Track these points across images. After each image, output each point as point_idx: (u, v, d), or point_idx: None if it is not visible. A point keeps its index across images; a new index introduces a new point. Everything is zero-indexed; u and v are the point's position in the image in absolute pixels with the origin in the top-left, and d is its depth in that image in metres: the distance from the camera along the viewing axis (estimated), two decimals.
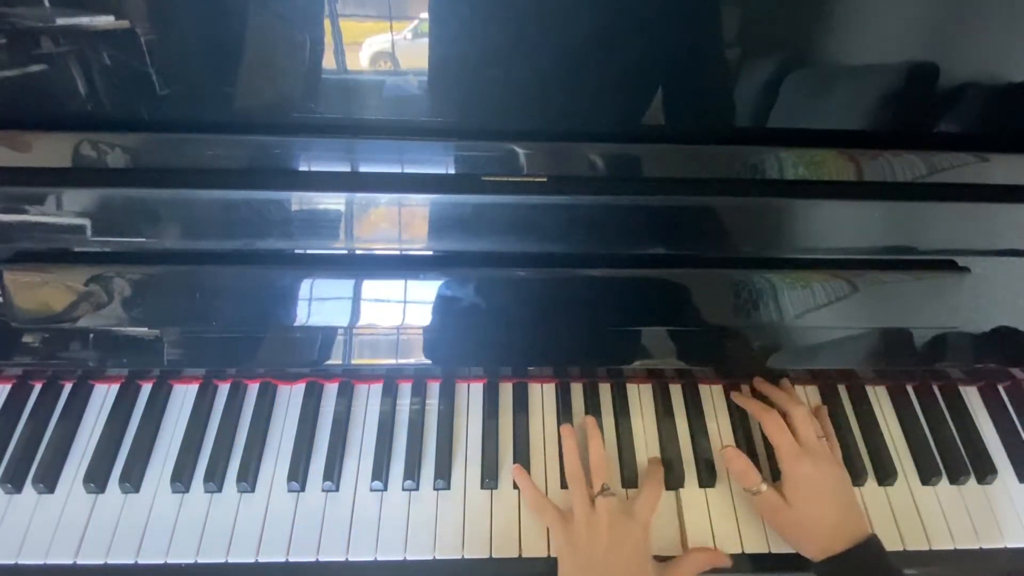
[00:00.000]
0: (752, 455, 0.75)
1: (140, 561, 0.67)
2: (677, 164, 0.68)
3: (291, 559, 0.68)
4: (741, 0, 0.60)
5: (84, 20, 0.58)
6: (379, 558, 0.68)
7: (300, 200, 0.67)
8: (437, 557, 0.68)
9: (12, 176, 0.65)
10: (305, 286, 0.71)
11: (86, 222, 0.66)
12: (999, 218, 0.71)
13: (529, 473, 0.74)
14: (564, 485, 0.73)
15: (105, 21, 0.58)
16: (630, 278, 0.72)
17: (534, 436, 0.77)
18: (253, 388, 0.79)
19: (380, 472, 0.73)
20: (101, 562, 0.67)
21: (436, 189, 0.67)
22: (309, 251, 0.71)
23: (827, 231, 0.71)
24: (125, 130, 0.64)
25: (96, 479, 0.71)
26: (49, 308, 0.69)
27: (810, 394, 0.82)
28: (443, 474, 0.73)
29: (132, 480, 0.72)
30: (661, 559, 0.67)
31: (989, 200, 0.70)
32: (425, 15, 0.60)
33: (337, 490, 0.72)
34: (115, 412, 0.77)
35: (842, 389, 0.82)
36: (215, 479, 0.72)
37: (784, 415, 0.72)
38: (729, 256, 0.72)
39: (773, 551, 0.70)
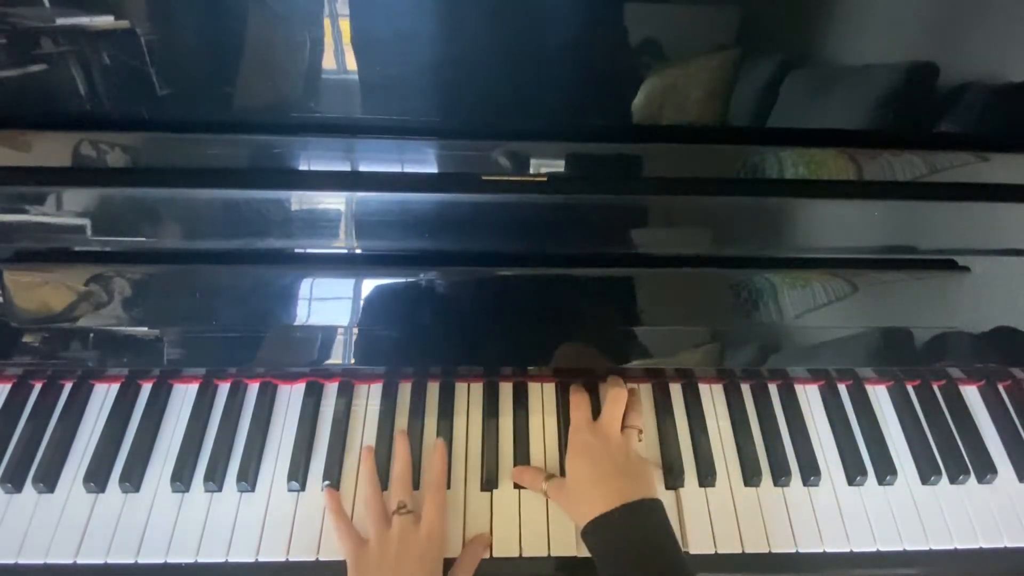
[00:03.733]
0: (752, 453, 0.76)
1: (140, 561, 0.67)
2: (677, 164, 0.68)
3: (291, 559, 0.68)
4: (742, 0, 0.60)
5: (84, 20, 0.58)
6: None
7: (300, 199, 0.67)
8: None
9: (12, 176, 0.65)
10: (305, 285, 0.71)
11: (86, 222, 0.66)
12: (999, 218, 0.71)
13: None
14: None
15: (105, 21, 0.58)
16: (630, 277, 0.72)
17: (534, 436, 0.77)
18: (253, 388, 0.79)
19: (380, 472, 0.73)
20: (101, 562, 0.67)
21: (436, 189, 0.67)
22: (309, 250, 0.71)
23: (827, 231, 0.71)
24: (125, 130, 0.64)
25: (96, 479, 0.71)
26: (49, 308, 0.69)
27: (810, 394, 0.82)
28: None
29: (132, 480, 0.72)
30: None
31: (989, 200, 0.70)
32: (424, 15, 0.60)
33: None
34: (115, 412, 0.77)
35: (842, 389, 0.82)
36: (215, 479, 0.72)
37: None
38: (729, 256, 0.72)
39: (773, 551, 0.70)
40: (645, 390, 0.81)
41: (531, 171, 0.68)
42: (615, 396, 0.73)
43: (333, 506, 0.70)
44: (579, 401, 0.75)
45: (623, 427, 0.72)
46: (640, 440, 0.74)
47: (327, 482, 0.72)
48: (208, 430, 0.76)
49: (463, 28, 0.60)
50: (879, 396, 0.83)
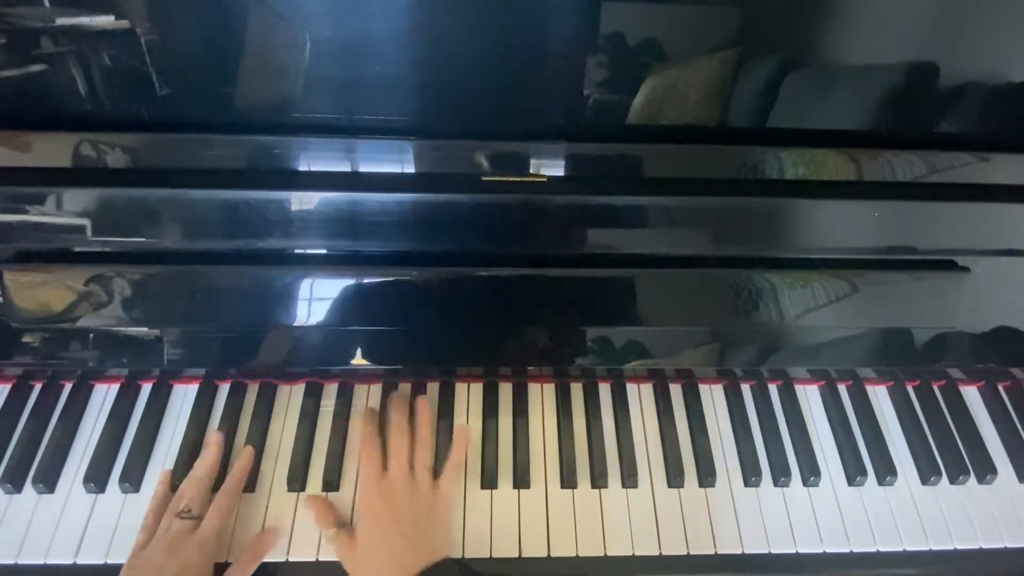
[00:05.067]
0: (752, 453, 0.76)
1: None
2: (678, 164, 0.68)
3: (291, 559, 0.68)
4: (742, 0, 0.60)
5: (84, 20, 0.58)
6: None
7: (299, 200, 0.67)
8: None
9: (12, 176, 0.65)
10: (304, 286, 0.71)
11: (86, 222, 0.66)
12: (999, 218, 0.71)
13: (529, 472, 0.74)
14: (564, 485, 0.73)
15: (105, 21, 0.58)
16: (630, 278, 0.72)
17: (533, 436, 0.77)
18: (253, 388, 0.79)
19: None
20: (101, 562, 0.67)
21: (436, 189, 0.67)
22: (308, 251, 0.71)
23: (827, 231, 0.71)
24: (125, 130, 0.64)
25: (96, 479, 0.71)
26: (49, 308, 0.69)
27: (810, 394, 0.82)
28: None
29: (132, 480, 0.71)
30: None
31: (989, 200, 0.70)
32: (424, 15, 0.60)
33: (338, 491, 0.72)
34: (115, 412, 0.77)
35: (842, 389, 0.83)
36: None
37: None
38: (729, 256, 0.72)
39: (773, 552, 0.70)
40: (646, 390, 0.81)
41: (531, 171, 0.68)
42: (394, 445, 0.70)
43: (152, 504, 0.68)
44: (369, 453, 0.70)
45: (412, 468, 0.69)
46: (438, 476, 0.70)
47: (327, 483, 0.72)
48: (208, 430, 0.76)
49: (463, 28, 0.60)
50: (879, 396, 0.83)
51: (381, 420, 0.76)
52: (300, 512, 0.70)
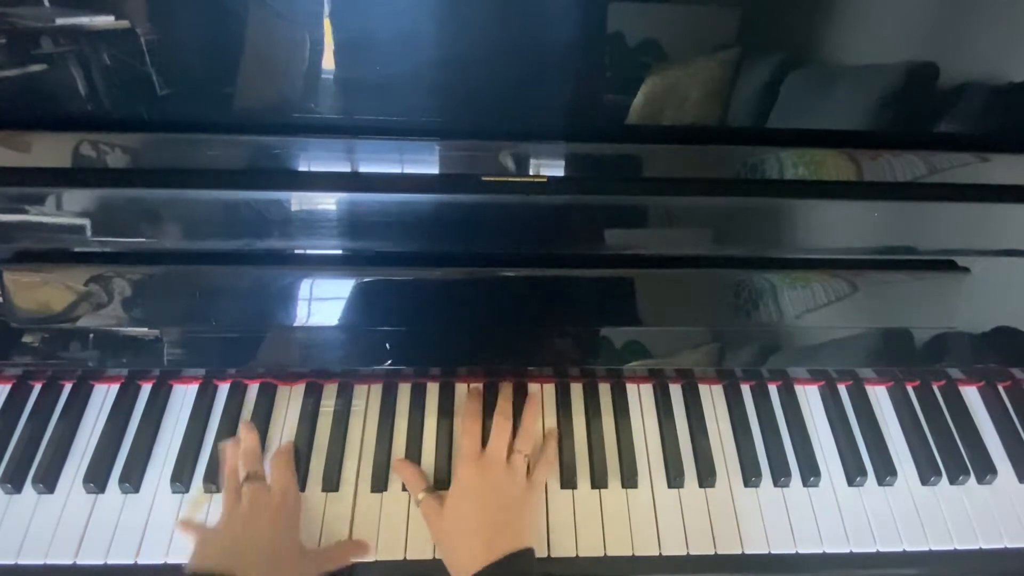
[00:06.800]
0: (752, 454, 0.76)
1: (140, 561, 0.67)
2: (677, 164, 0.68)
3: None
4: (742, 0, 0.60)
5: (84, 20, 0.58)
6: (379, 558, 0.68)
7: (299, 200, 0.67)
8: (437, 556, 0.68)
9: (12, 176, 0.65)
10: (304, 286, 0.71)
11: (86, 222, 0.66)
12: (999, 218, 0.71)
13: None
14: (564, 485, 0.73)
15: (105, 21, 0.58)
16: (630, 278, 0.72)
17: (534, 435, 0.77)
18: (253, 388, 0.79)
19: (380, 473, 0.73)
20: (101, 562, 0.67)
21: (436, 190, 0.67)
22: (308, 251, 0.71)
23: (827, 231, 0.71)
24: (125, 130, 0.64)
25: (96, 479, 0.71)
26: (49, 308, 0.69)
27: (810, 394, 0.82)
28: (443, 475, 0.73)
29: (132, 480, 0.72)
30: None
31: (989, 200, 0.70)
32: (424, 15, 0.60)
33: (337, 491, 0.72)
34: (115, 412, 0.77)
35: (842, 389, 0.83)
36: (215, 479, 0.72)
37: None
38: (729, 256, 0.72)
39: (773, 552, 0.70)
40: (646, 390, 0.81)
41: (531, 172, 0.68)
42: (498, 427, 0.72)
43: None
44: (470, 428, 0.73)
45: (510, 453, 0.71)
46: (534, 462, 0.73)
47: (328, 484, 0.72)
48: (208, 430, 0.76)
49: (463, 28, 0.60)
50: (879, 396, 0.83)
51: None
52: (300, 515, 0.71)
